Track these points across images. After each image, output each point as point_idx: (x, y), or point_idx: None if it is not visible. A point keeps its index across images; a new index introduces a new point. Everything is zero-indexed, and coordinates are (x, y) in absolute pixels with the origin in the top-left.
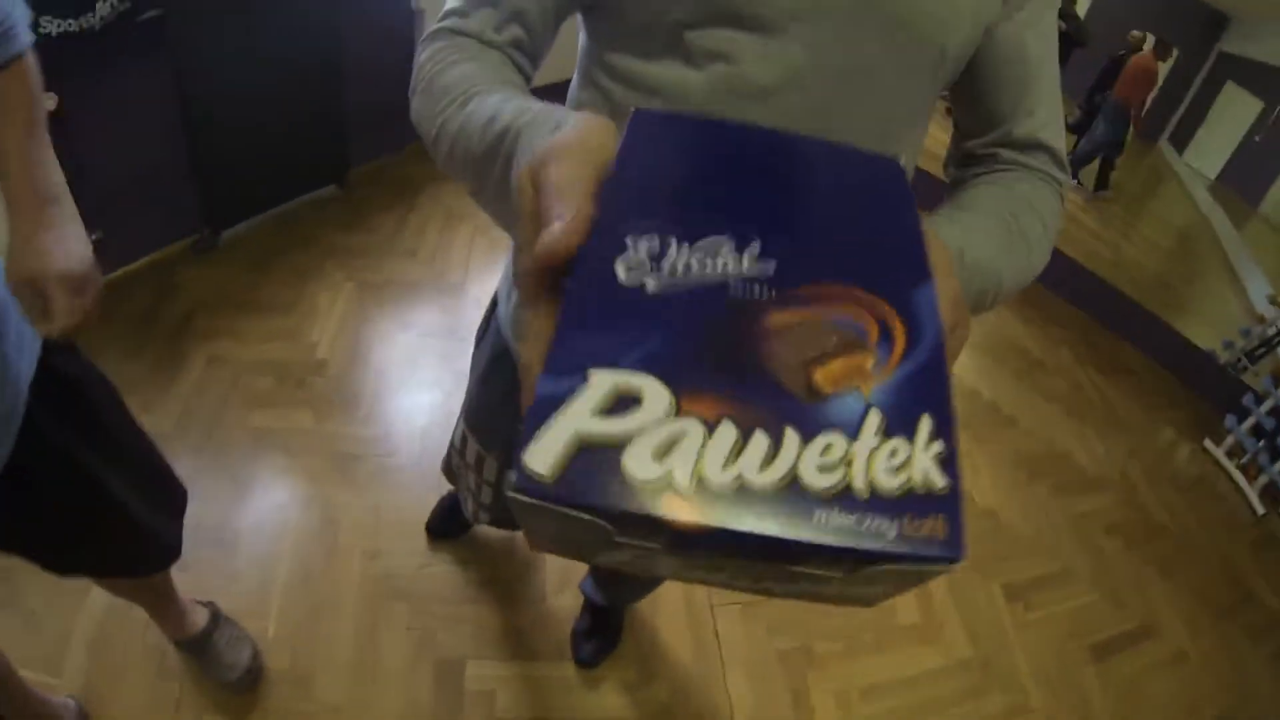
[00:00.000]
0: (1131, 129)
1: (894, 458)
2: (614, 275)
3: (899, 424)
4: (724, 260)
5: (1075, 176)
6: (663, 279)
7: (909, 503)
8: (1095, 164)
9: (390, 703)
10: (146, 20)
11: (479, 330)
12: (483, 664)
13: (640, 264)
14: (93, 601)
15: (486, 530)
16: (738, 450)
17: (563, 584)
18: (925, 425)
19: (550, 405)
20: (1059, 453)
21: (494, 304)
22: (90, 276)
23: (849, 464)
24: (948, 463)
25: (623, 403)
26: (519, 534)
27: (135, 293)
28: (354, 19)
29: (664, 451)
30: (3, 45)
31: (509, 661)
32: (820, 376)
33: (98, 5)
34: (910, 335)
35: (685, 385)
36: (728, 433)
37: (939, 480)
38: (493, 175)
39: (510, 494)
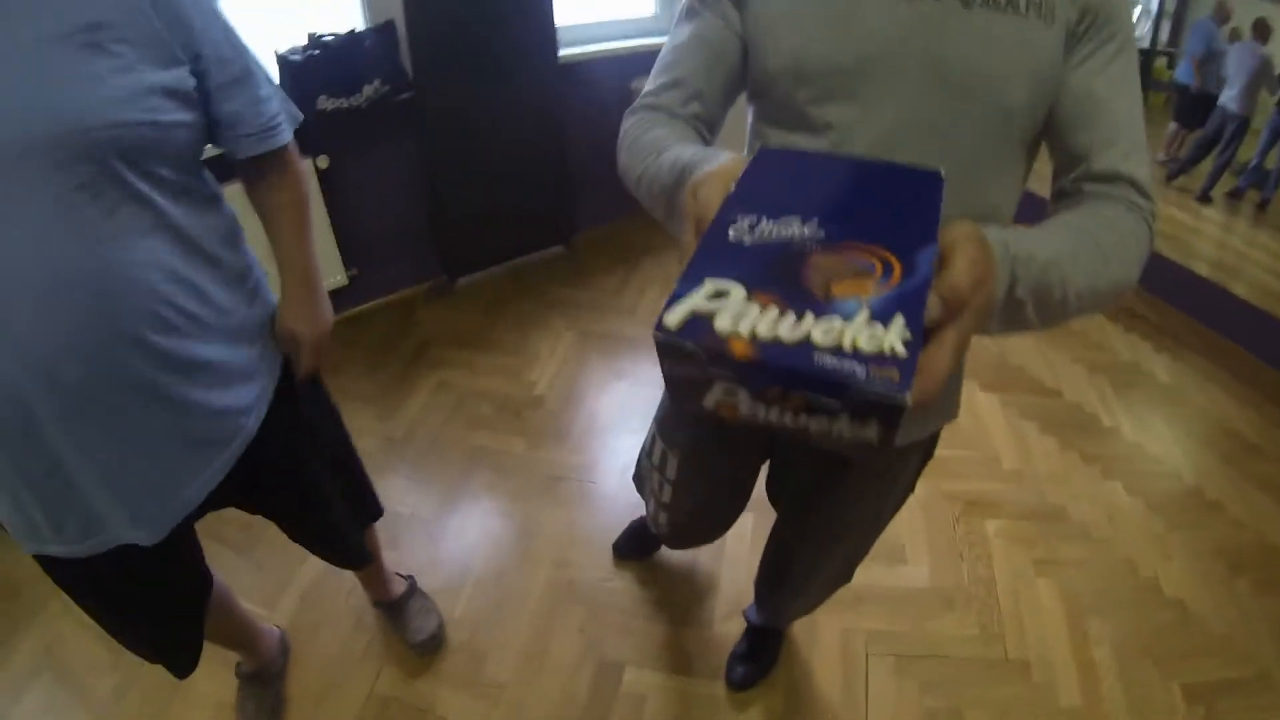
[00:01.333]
0: None
1: (873, 334)
2: (726, 236)
3: (881, 317)
4: (793, 229)
5: None
6: (753, 238)
7: (877, 359)
8: None
9: (549, 690)
10: (402, 100)
11: None
12: (641, 671)
13: (741, 230)
14: (312, 563)
15: (668, 555)
16: (776, 321)
17: (730, 612)
18: (899, 320)
19: (679, 296)
20: (1269, 546)
21: None
22: (327, 340)
23: (842, 334)
24: (911, 344)
25: (719, 295)
26: (698, 559)
27: (379, 323)
28: (578, 99)
29: (736, 319)
30: (271, 138)
31: (665, 673)
32: (835, 288)
33: (365, 88)
34: (905, 273)
35: (753, 287)
36: (772, 312)
37: (901, 350)
38: (677, 199)
39: (654, 334)
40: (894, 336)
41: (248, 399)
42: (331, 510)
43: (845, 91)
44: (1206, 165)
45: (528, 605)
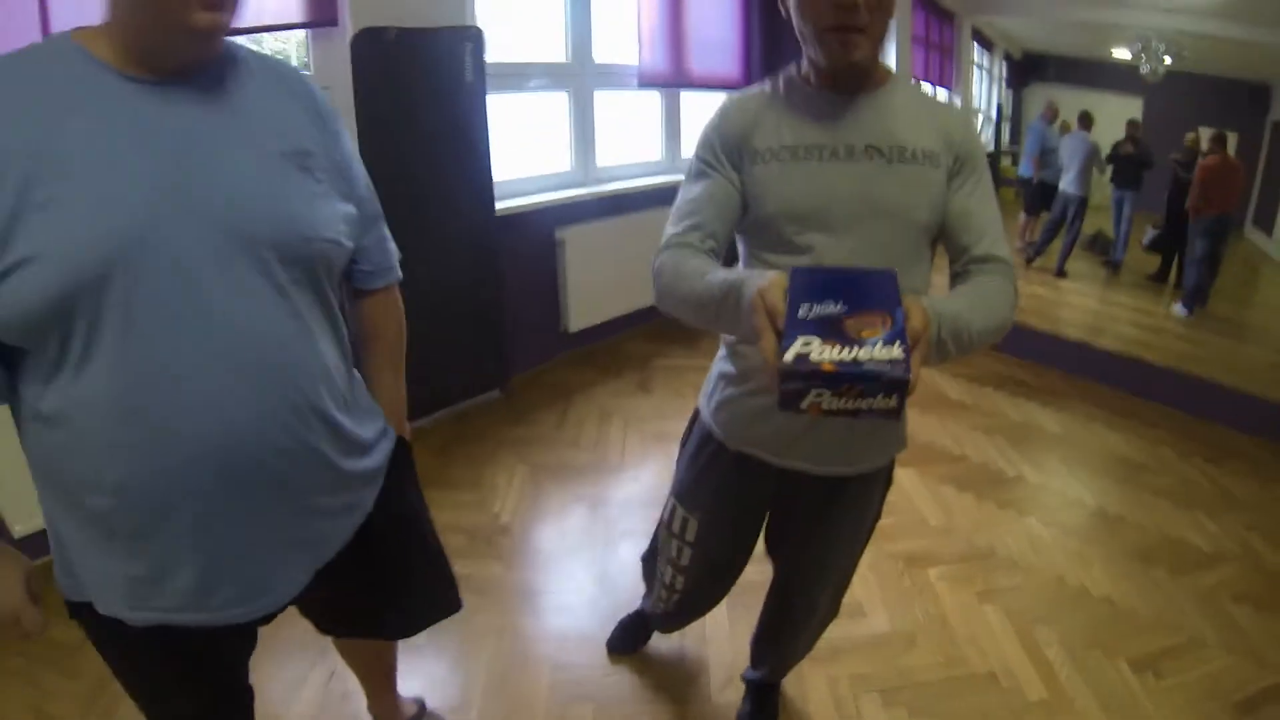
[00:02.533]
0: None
1: (887, 352)
2: (797, 314)
3: (887, 344)
4: (830, 309)
5: (1189, 308)
6: (812, 314)
7: (890, 362)
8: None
9: None
10: None
11: (685, 434)
12: None
13: (806, 311)
14: (311, 686)
15: (657, 645)
16: (839, 352)
17: (725, 683)
18: (896, 344)
19: (787, 346)
20: (1173, 539)
21: (695, 413)
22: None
23: (872, 354)
24: (905, 355)
25: (806, 344)
26: (684, 644)
27: None
28: (511, 252)
29: (820, 354)
30: (390, 274)
31: None
32: (862, 333)
33: None
34: (892, 323)
35: (823, 338)
36: (836, 349)
37: (900, 356)
38: (726, 307)
39: (780, 366)
40: (896, 351)
41: (374, 469)
42: (442, 559)
43: (818, 224)
44: (1058, 245)
45: (538, 710)
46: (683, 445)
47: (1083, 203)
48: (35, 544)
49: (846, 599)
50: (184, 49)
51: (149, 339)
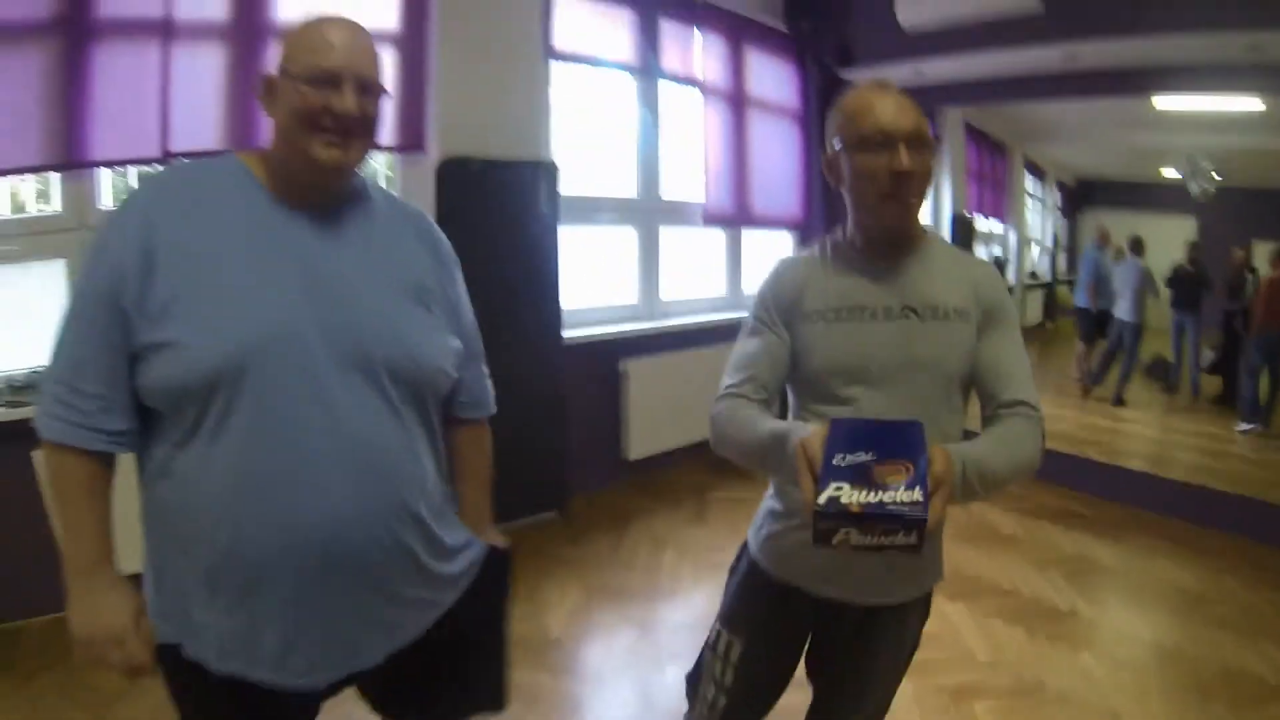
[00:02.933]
0: None
1: (908, 495)
2: (833, 461)
3: (909, 489)
4: (861, 457)
5: (1249, 421)
6: (845, 463)
7: (911, 505)
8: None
9: None
10: None
11: (734, 562)
12: None
13: (840, 460)
14: None
15: None
16: (867, 496)
17: None
18: (917, 489)
19: (822, 490)
20: (1234, 671)
21: (744, 544)
22: None
23: (896, 497)
24: (924, 498)
25: (838, 489)
26: None
27: None
28: (575, 377)
29: (850, 497)
30: (485, 407)
31: None
32: (888, 479)
33: None
34: (916, 472)
35: (853, 483)
36: (864, 493)
37: (920, 499)
38: (773, 453)
39: (815, 506)
40: (916, 495)
41: (455, 574)
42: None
43: (859, 378)
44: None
45: None
46: (731, 572)
47: (1138, 329)
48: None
49: None
50: (314, 179)
51: (276, 427)
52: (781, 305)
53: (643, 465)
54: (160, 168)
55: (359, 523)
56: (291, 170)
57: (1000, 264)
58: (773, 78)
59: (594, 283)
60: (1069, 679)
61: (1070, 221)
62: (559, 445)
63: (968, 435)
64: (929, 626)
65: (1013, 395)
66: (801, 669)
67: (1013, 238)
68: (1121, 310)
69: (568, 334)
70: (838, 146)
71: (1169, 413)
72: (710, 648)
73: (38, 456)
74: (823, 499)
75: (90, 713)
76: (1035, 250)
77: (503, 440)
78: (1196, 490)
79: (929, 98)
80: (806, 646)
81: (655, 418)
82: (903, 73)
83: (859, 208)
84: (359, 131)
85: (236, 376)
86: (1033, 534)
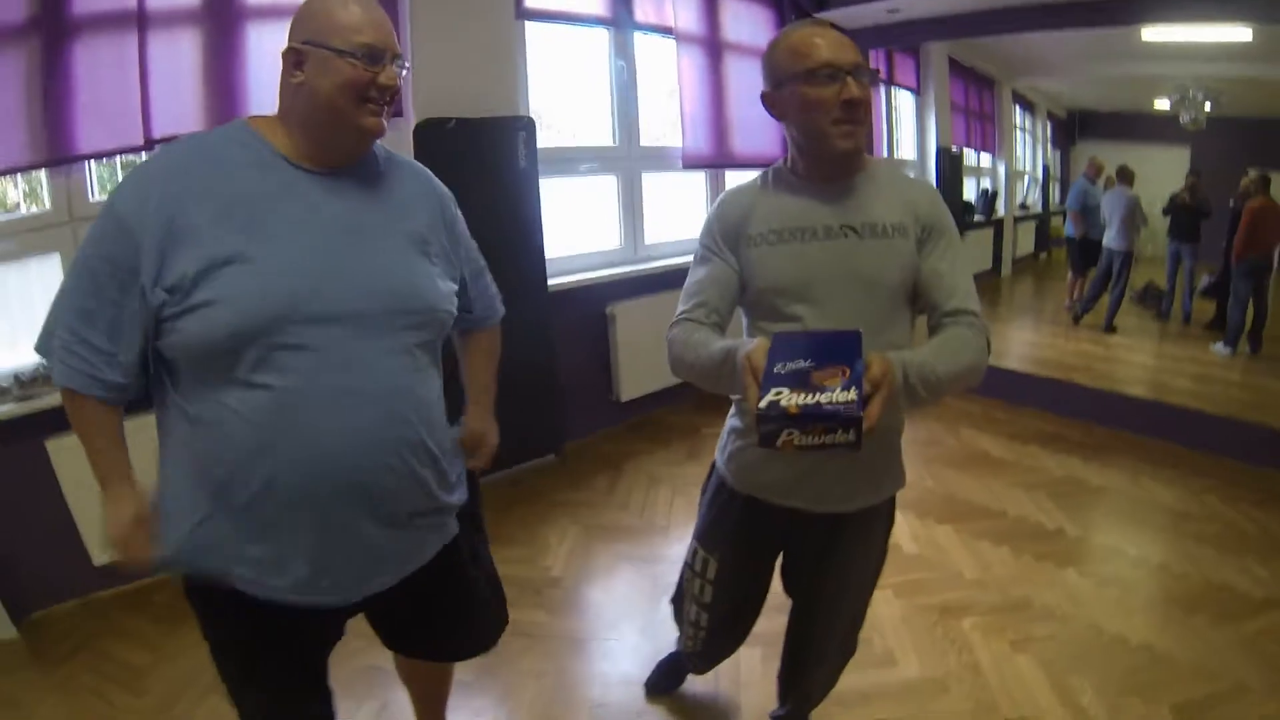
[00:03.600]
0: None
1: (844, 395)
2: (774, 370)
3: (845, 389)
4: (800, 364)
5: (1232, 346)
6: (785, 370)
7: (847, 404)
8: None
9: None
10: None
11: (704, 484)
12: None
13: (780, 368)
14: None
15: (692, 686)
16: (805, 398)
17: None
18: (853, 389)
19: (763, 395)
20: (1216, 585)
21: (712, 465)
22: (495, 446)
23: (832, 397)
24: (858, 398)
25: (778, 393)
26: (718, 685)
27: None
28: (564, 324)
29: (789, 400)
30: (496, 316)
31: None
32: (825, 382)
33: None
34: (852, 374)
35: (792, 387)
36: (802, 395)
37: (855, 398)
38: (724, 371)
39: (756, 409)
40: (851, 395)
41: (457, 502)
42: (489, 603)
43: (803, 296)
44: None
45: None
46: (703, 492)
47: (1127, 257)
48: None
49: (878, 647)
50: (350, 146)
51: (310, 374)
52: (727, 232)
53: (634, 406)
54: (144, 155)
55: (381, 454)
56: (322, 138)
57: (990, 196)
58: (748, 22)
59: (579, 231)
60: (1054, 595)
61: (1062, 153)
62: (552, 391)
63: None
64: (916, 548)
65: (955, 304)
66: (777, 593)
67: (1002, 170)
68: (1110, 239)
69: (554, 282)
70: (782, 81)
71: (1160, 339)
72: (689, 567)
73: (52, 445)
74: (763, 403)
75: (123, 686)
76: (1026, 182)
77: (498, 390)
78: (1183, 412)
79: (907, 34)
80: (780, 561)
81: (644, 359)
82: (876, 12)
83: (811, 136)
84: (391, 100)
85: (270, 329)
86: (1021, 458)
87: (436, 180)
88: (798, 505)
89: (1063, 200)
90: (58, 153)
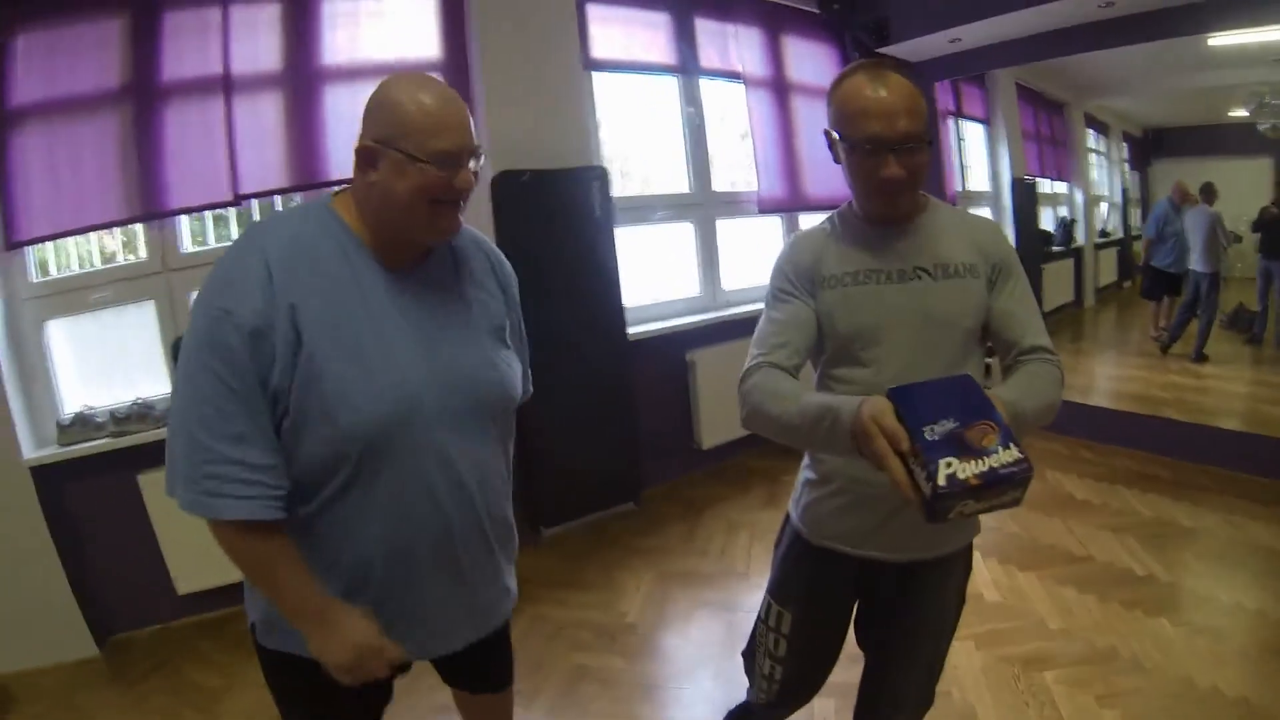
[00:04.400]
0: None
1: (1010, 454)
2: (924, 436)
3: (1004, 447)
4: (947, 425)
5: None
6: (935, 435)
7: (1015, 463)
8: None
9: None
10: None
11: (777, 537)
12: None
13: (930, 433)
14: None
15: None
16: (976, 465)
17: None
18: (1012, 446)
19: (934, 472)
20: None
21: (786, 517)
22: None
23: (1002, 459)
24: (1023, 453)
25: (950, 464)
26: None
27: None
28: (644, 372)
29: (964, 471)
30: (523, 396)
31: None
32: (983, 442)
33: None
34: (1002, 430)
35: (958, 456)
36: (970, 461)
37: (1020, 456)
38: (821, 429)
39: (938, 489)
40: (1015, 452)
41: (513, 587)
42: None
43: (879, 339)
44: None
45: None
46: (776, 546)
47: (1213, 279)
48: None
49: (957, 700)
50: (430, 244)
51: (413, 477)
52: (801, 273)
53: (714, 453)
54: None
55: (472, 532)
56: (403, 236)
57: (1069, 224)
58: (812, 61)
59: (657, 279)
60: (1143, 645)
61: (1140, 174)
62: (631, 439)
63: None
64: (997, 596)
65: (1030, 342)
66: (853, 643)
67: (1079, 196)
68: (1194, 261)
69: (633, 330)
70: (837, 134)
71: (1254, 365)
72: (762, 621)
73: (144, 479)
74: (942, 480)
75: (196, 708)
76: (1104, 207)
77: (576, 436)
78: (1274, 441)
79: (971, 62)
80: (855, 614)
81: (725, 406)
82: (938, 43)
83: (855, 194)
84: (468, 198)
85: (381, 442)
86: (1107, 499)
87: (499, 254)
88: (873, 554)
89: (1144, 223)
90: (151, 208)
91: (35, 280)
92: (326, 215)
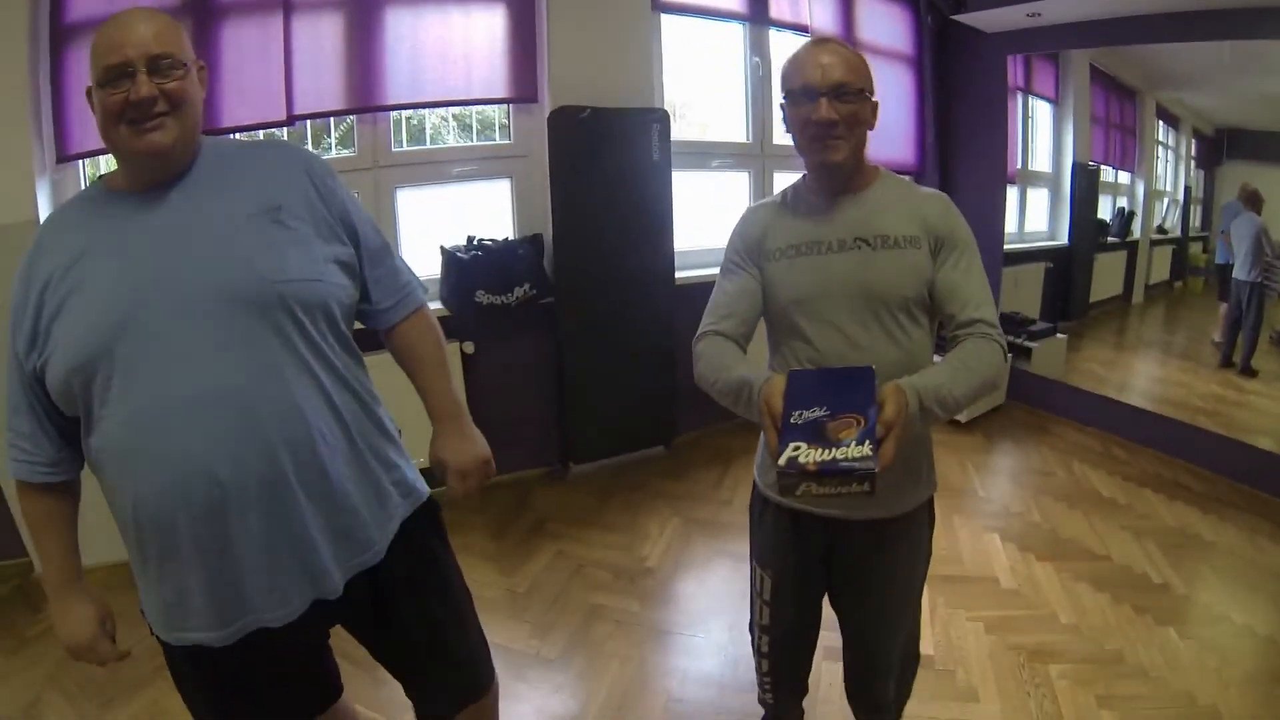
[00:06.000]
0: None
1: (859, 450)
2: (790, 420)
3: (860, 442)
4: (816, 413)
5: None
6: (801, 420)
7: (861, 459)
8: None
9: None
10: (544, 304)
11: (749, 505)
12: None
13: (797, 418)
14: None
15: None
16: (821, 454)
17: None
18: (866, 443)
19: (781, 451)
20: None
21: (754, 484)
22: (474, 468)
23: (848, 453)
24: (873, 451)
25: (797, 448)
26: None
27: (499, 498)
28: (687, 317)
29: (807, 456)
30: (409, 301)
31: None
32: (840, 435)
33: (516, 289)
34: (866, 425)
35: (809, 442)
36: (817, 449)
37: (869, 453)
38: (741, 401)
39: (778, 466)
40: (866, 450)
41: (380, 518)
42: (440, 646)
43: (820, 309)
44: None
45: None
46: (750, 513)
47: (1256, 289)
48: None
49: (961, 680)
50: (148, 167)
51: (141, 393)
52: (749, 246)
53: None
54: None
55: (233, 462)
56: (126, 164)
57: (1127, 216)
58: (885, 23)
59: (709, 225)
60: (1149, 654)
61: (1206, 174)
62: (669, 383)
63: None
64: (1014, 583)
65: (969, 315)
66: (830, 616)
67: (1140, 189)
68: (1238, 270)
69: (681, 275)
70: (783, 98)
71: None
72: (753, 588)
73: None
74: (783, 460)
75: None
76: (1165, 203)
77: (614, 376)
78: None
79: (1049, 39)
80: (828, 583)
81: (764, 358)
82: (1015, 15)
83: (799, 150)
84: (167, 109)
85: (103, 360)
86: (1134, 501)
87: (300, 150)
88: (835, 513)
89: (1204, 225)
90: (207, 125)
91: None
92: (90, 185)
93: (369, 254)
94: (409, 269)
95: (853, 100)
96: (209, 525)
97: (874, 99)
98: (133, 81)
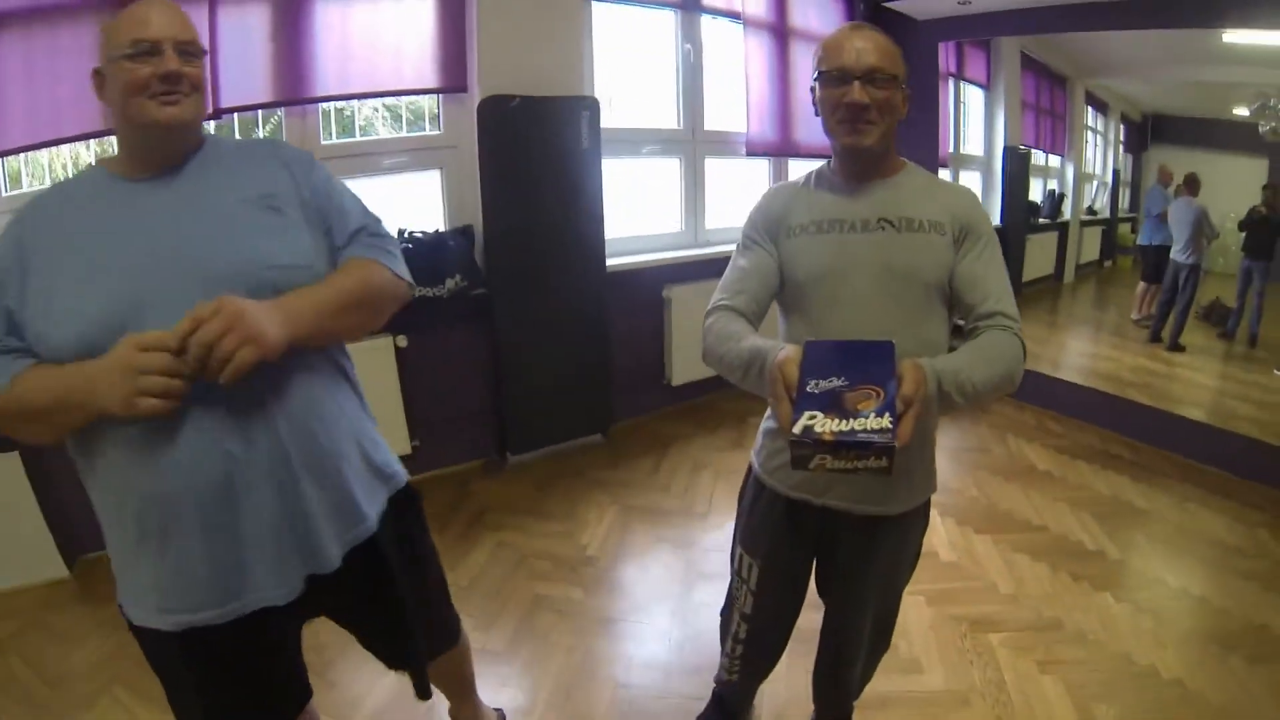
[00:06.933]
0: None
1: (877, 422)
2: (806, 388)
3: (879, 415)
4: (833, 383)
5: None
6: (818, 389)
7: (880, 431)
8: None
9: None
10: (476, 295)
11: (741, 488)
12: None
13: (813, 386)
14: (384, 685)
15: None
16: (839, 424)
17: (777, 716)
18: (886, 416)
19: (796, 419)
20: (1258, 625)
21: (749, 468)
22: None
23: (865, 424)
24: (892, 425)
25: (812, 417)
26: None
27: (438, 491)
28: (620, 305)
29: (823, 426)
30: (355, 248)
31: None
32: (858, 406)
33: (447, 281)
34: (885, 398)
35: (825, 411)
36: (836, 421)
37: (889, 426)
38: (752, 372)
39: (791, 435)
40: (885, 422)
41: (370, 493)
42: (416, 614)
43: (840, 288)
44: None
45: None
46: (741, 497)
47: (1193, 271)
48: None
49: (904, 653)
50: (160, 143)
51: None
52: (770, 224)
53: (685, 391)
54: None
55: (244, 439)
56: (138, 141)
57: (1057, 198)
58: (817, 9)
59: (640, 213)
60: (1087, 619)
61: (1135, 158)
62: (603, 370)
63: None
64: (952, 556)
65: (989, 307)
66: (814, 592)
67: (1070, 172)
68: (1176, 251)
69: (612, 262)
70: (814, 80)
71: (1224, 361)
72: (736, 574)
73: None
74: (798, 428)
75: None
76: (1094, 186)
77: (549, 364)
78: (1242, 441)
79: (979, 27)
80: (816, 570)
81: (698, 344)
82: (946, 3)
83: (827, 134)
84: (187, 89)
85: (116, 337)
86: (1068, 473)
87: (291, 146)
88: (835, 503)
89: (1132, 207)
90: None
91: (5, 194)
92: (90, 168)
93: (352, 229)
94: (391, 239)
95: (886, 86)
96: (218, 501)
97: (906, 88)
98: (161, 57)
